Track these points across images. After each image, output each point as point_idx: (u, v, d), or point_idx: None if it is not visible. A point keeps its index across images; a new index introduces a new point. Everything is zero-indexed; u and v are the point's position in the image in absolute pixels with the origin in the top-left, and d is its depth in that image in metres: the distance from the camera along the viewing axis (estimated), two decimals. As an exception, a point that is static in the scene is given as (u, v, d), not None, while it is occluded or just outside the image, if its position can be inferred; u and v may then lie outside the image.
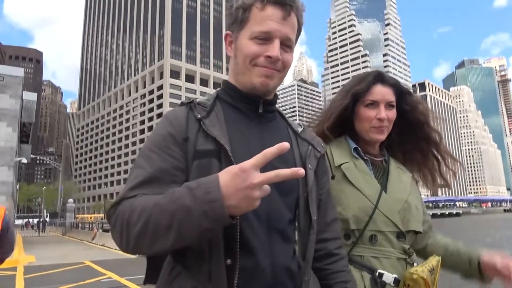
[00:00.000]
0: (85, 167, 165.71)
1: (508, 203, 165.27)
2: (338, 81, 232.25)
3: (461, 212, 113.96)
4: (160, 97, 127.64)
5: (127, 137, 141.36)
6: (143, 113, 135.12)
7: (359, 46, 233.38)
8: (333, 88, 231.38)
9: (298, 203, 1.16)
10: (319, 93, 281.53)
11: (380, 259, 1.52)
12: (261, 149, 0.89)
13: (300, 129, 1.28)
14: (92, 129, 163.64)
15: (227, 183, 0.86)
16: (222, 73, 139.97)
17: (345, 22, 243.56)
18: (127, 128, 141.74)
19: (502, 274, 1.52)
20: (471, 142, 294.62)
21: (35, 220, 57.14)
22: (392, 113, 1.68)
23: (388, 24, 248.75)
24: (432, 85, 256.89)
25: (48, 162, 70.66)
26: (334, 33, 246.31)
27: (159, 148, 1.06)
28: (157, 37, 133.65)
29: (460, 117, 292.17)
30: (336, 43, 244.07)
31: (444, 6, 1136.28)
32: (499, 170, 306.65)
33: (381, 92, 1.66)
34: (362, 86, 1.68)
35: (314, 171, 1.22)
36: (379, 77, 1.69)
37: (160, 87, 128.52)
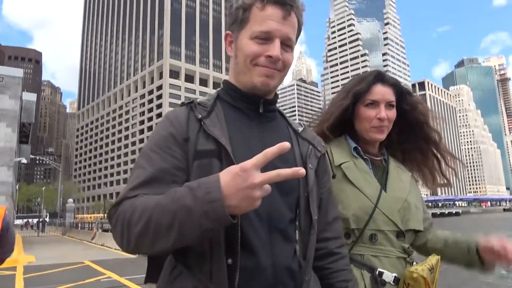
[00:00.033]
0: (84, 167, 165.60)
1: (507, 202, 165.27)
2: (338, 80, 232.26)
3: (460, 212, 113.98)
4: (159, 97, 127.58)
5: (126, 137, 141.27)
6: (142, 113, 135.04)
7: (358, 45, 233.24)
8: (332, 88, 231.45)
9: (298, 203, 1.16)
10: (319, 92, 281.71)
11: (380, 258, 1.52)
12: (261, 149, 0.89)
13: (300, 129, 1.28)
14: (91, 129, 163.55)
15: (228, 183, 0.86)
16: (221, 73, 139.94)
17: (344, 22, 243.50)
18: (127, 128, 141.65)
19: (499, 255, 1.52)
20: (470, 141, 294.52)
21: (35, 220, 57.13)
22: (392, 113, 1.68)
23: (387, 24, 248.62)
24: (431, 84, 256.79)
25: (47, 162, 70.64)
26: (333, 32, 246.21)
27: (160, 148, 1.06)
28: (156, 37, 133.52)
29: (459, 116, 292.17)
30: (335, 42, 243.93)
31: (443, 5, 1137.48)
32: (498, 170, 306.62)
33: (381, 92, 1.66)
34: (362, 86, 1.68)
35: (314, 171, 1.22)
36: (379, 77, 1.70)
37: (159, 87, 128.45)
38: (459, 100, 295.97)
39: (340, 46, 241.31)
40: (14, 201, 37.03)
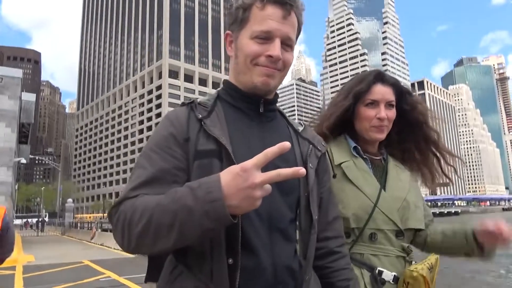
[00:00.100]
0: (84, 167, 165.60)
1: (506, 201, 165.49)
2: (337, 80, 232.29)
3: (459, 211, 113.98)
4: (159, 97, 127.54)
5: (126, 137, 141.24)
6: (142, 113, 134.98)
7: (357, 45, 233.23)
8: (331, 87, 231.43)
9: (299, 203, 1.16)
10: (318, 92, 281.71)
11: (379, 257, 1.53)
12: (262, 148, 0.89)
13: (301, 128, 1.28)
14: (91, 129, 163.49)
15: (228, 183, 0.86)
16: (220, 72, 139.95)
17: (343, 21, 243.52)
18: (126, 128, 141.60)
19: (495, 236, 1.52)
20: (469, 140, 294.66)
21: (34, 220, 57.06)
22: (392, 113, 1.69)
23: (386, 23, 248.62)
24: (430, 84, 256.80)
25: (47, 162, 70.64)
26: (333, 32, 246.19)
27: (160, 148, 1.06)
28: (155, 37, 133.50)
29: (458, 115, 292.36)
30: (334, 42, 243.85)
31: (442, 4, 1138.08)
32: (497, 169, 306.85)
33: (381, 91, 1.67)
34: (362, 86, 1.68)
35: (315, 170, 1.22)
36: (379, 77, 1.70)
37: (158, 87, 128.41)
38: (458, 99, 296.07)
39: (339, 46, 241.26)
40: (14, 201, 36.99)
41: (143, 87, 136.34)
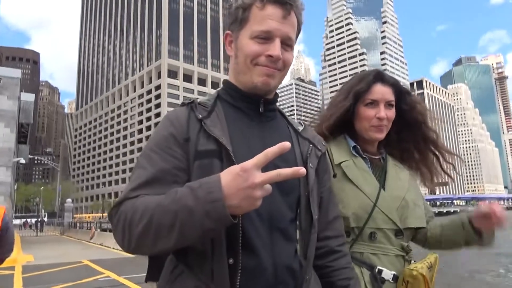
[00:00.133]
0: (83, 167, 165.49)
1: (505, 201, 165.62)
2: (336, 79, 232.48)
3: (458, 211, 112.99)
4: (158, 97, 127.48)
5: (125, 137, 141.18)
6: (141, 113, 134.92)
7: (356, 44, 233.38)
8: (331, 87, 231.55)
9: (299, 202, 1.16)
10: (317, 91, 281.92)
11: (379, 256, 1.54)
12: (262, 148, 0.90)
13: (300, 128, 1.28)
14: (90, 129, 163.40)
15: (228, 183, 0.86)
16: (219, 72, 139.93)
17: (342, 21, 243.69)
18: (125, 128, 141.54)
19: (489, 218, 1.53)
20: (468, 140, 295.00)
21: (33, 220, 57.00)
22: (392, 112, 1.69)
23: (385, 22, 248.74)
24: (429, 83, 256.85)
25: (46, 162, 70.67)
26: (331, 31, 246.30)
27: (160, 149, 1.07)
28: (154, 37, 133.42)
29: (457, 115, 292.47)
30: (333, 41, 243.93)
31: (441, 3, 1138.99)
32: (496, 168, 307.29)
33: (381, 91, 1.67)
34: (362, 86, 1.69)
35: (315, 170, 1.22)
36: (379, 76, 1.70)
37: (158, 87, 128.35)
38: (457, 99, 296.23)
39: (338, 45, 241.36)
40: (13, 201, 36.99)
41: (142, 87, 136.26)
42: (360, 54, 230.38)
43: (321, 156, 1.27)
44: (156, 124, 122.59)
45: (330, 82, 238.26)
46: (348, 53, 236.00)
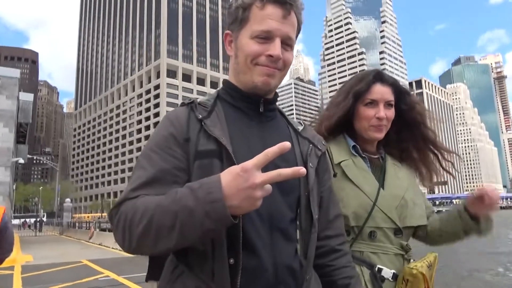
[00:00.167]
0: (82, 166, 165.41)
1: (504, 200, 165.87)
2: (335, 79, 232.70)
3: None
4: (157, 96, 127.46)
5: (124, 136, 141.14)
6: (140, 113, 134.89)
7: (355, 44, 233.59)
8: (330, 86, 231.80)
9: (299, 202, 1.17)
10: (316, 91, 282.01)
11: (379, 255, 1.55)
12: (262, 148, 0.90)
13: (300, 128, 1.29)
14: (89, 129, 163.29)
15: (229, 184, 0.86)
16: (218, 72, 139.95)
17: (341, 20, 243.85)
18: (124, 128, 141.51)
19: (482, 200, 1.54)
20: (467, 139, 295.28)
21: (32, 220, 56.91)
22: (391, 112, 1.70)
23: (384, 22, 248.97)
24: (428, 83, 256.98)
25: (44, 162, 70.62)
26: (331, 31, 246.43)
27: (160, 149, 1.07)
28: (153, 36, 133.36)
29: (456, 114, 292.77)
30: (332, 41, 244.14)
31: (440, 3, 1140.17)
32: (495, 167, 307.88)
33: (380, 91, 1.68)
34: (362, 86, 1.69)
35: (315, 170, 1.22)
36: (379, 76, 1.71)
37: (157, 87, 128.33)
38: (456, 98, 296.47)
39: (337, 45, 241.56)
40: (12, 201, 36.97)
41: (141, 86, 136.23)
42: (359, 54, 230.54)
43: (321, 155, 1.27)
44: (155, 123, 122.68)
45: (329, 81, 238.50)
46: (347, 52, 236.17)
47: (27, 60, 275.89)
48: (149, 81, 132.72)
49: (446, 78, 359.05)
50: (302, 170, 0.87)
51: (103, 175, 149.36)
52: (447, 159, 1.88)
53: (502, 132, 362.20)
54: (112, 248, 18.42)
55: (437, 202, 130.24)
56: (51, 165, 72.81)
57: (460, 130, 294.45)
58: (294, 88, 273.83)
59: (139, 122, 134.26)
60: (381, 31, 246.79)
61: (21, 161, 30.23)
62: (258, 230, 1.06)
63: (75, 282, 9.61)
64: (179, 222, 0.88)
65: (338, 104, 1.75)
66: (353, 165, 1.65)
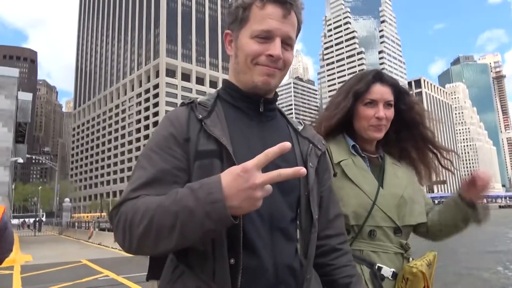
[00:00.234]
0: (81, 166, 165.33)
1: (503, 199, 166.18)
2: (334, 78, 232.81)
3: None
4: (156, 95, 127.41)
5: (123, 136, 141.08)
6: (139, 112, 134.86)
7: (354, 43, 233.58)
8: (329, 86, 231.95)
9: (299, 202, 1.17)
10: (315, 91, 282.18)
11: (378, 254, 1.56)
12: (262, 148, 0.90)
13: (300, 127, 1.29)
14: (88, 128, 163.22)
15: (229, 184, 0.86)
16: (218, 71, 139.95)
17: (340, 20, 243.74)
18: (123, 127, 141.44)
19: (475, 183, 1.56)
20: (466, 138, 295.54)
21: (31, 220, 56.90)
22: (390, 112, 1.71)
23: (383, 21, 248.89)
24: (427, 82, 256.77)
25: (44, 161, 70.59)
26: (330, 30, 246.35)
27: (160, 149, 1.06)
28: (152, 36, 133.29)
29: (455, 113, 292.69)
30: (331, 40, 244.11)
31: (439, 2, 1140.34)
32: (494, 167, 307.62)
33: (380, 91, 1.69)
34: (361, 86, 1.70)
35: (315, 169, 1.22)
36: (378, 76, 1.72)
37: (156, 86, 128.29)
38: (455, 98, 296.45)
39: (336, 44, 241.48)
40: (11, 201, 36.95)
41: (140, 86, 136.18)
42: (358, 53, 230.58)
43: (321, 155, 1.27)
44: (154, 123, 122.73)
45: (328, 81, 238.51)
46: (346, 52, 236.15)
47: (26, 59, 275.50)
48: (148, 81, 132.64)
49: (445, 78, 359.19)
50: (303, 170, 0.87)
51: (102, 175, 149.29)
52: (446, 157, 1.89)
53: (501, 132, 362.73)
54: (112, 247, 18.43)
55: (436, 201, 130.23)
56: (50, 164, 72.74)
57: (459, 130, 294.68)
58: (294, 87, 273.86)
59: (138, 121, 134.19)
60: (380, 31, 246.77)
61: (20, 160, 30.23)
62: (259, 230, 1.06)
63: (74, 281, 9.62)
64: (180, 223, 0.88)
65: (338, 104, 1.75)
66: (353, 165, 1.66)
